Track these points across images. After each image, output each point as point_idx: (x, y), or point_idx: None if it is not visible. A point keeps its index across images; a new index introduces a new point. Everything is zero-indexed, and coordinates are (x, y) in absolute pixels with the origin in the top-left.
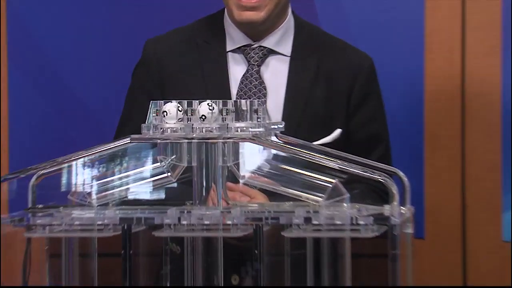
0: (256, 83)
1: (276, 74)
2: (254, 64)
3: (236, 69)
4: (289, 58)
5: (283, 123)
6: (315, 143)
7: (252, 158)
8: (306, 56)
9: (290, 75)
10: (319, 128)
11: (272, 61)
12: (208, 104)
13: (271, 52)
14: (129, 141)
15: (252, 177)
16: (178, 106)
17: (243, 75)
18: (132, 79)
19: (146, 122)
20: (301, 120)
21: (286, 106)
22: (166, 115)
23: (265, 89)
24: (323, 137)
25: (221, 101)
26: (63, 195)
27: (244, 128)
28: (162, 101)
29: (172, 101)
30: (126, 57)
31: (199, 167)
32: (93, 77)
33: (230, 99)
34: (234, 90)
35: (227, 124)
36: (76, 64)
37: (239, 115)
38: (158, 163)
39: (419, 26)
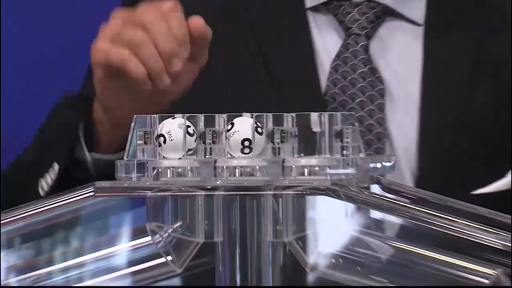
0: (365, 69)
1: (401, 55)
2: (359, 34)
3: (324, 42)
4: (421, 28)
5: (394, 157)
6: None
7: (333, 227)
8: (456, 27)
9: (427, 60)
10: (479, 163)
11: (391, 30)
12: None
13: (390, 13)
14: (92, 192)
15: (332, 266)
16: (188, 125)
17: (338, 54)
18: None
19: (126, 156)
20: (447, 145)
21: (424, 119)
22: (165, 142)
23: (382, 83)
24: (487, 183)
25: (270, 114)
26: None
27: (317, 168)
28: (156, 116)
29: (176, 115)
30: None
31: (228, 246)
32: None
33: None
34: (322, 81)
35: (283, 160)
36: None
37: (307, 143)
38: (148, 238)
39: None
